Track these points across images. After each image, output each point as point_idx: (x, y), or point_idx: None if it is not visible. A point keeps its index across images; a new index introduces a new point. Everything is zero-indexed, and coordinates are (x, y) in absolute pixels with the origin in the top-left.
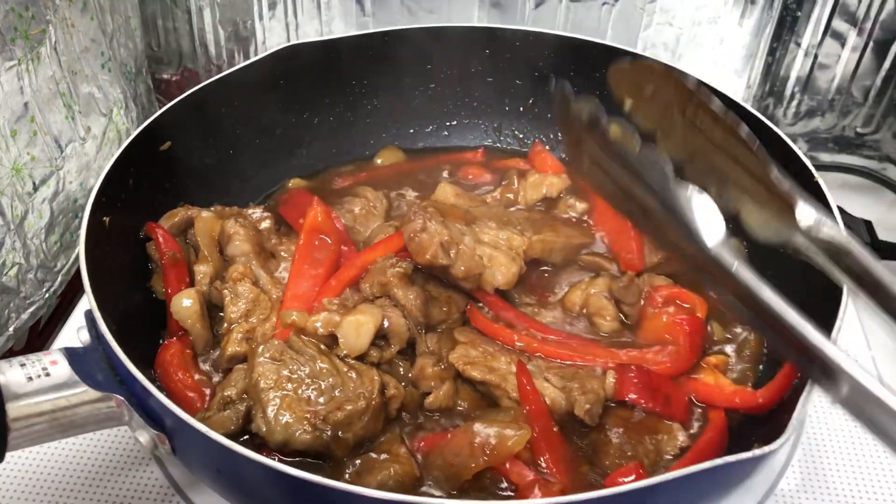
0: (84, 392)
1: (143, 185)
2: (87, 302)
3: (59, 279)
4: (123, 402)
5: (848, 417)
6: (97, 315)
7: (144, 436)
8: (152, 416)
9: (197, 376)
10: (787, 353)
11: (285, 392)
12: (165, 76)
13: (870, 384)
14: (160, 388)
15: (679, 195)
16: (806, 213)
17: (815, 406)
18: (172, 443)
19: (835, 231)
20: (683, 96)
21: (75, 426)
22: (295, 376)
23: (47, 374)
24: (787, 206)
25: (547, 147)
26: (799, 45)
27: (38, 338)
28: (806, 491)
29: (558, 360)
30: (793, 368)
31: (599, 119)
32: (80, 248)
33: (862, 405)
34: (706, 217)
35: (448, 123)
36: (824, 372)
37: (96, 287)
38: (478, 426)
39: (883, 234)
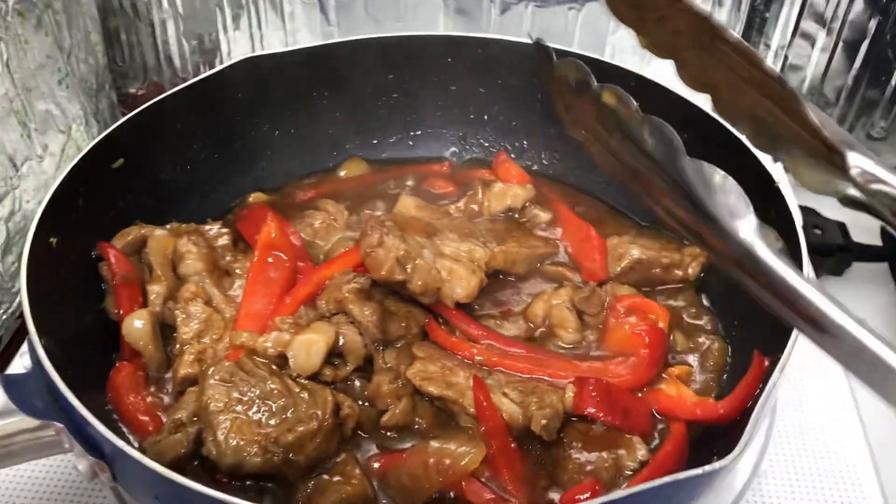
0: (20, 420)
1: (94, 204)
2: None
3: (17, 300)
4: (63, 429)
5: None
6: (35, 340)
7: (83, 464)
8: (91, 443)
9: (150, 399)
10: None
11: (236, 414)
12: (132, 90)
13: None
14: (112, 413)
15: (693, 174)
16: (857, 160)
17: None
18: (112, 470)
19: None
20: (693, 23)
21: (12, 456)
22: (246, 398)
23: None
24: (834, 153)
25: (512, 155)
26: (769, 46)
27: None
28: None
29: (519, 374)
30: (755, 379)
31: (589, 83)
32: (22, 271)
33: None
34: (731, 201)
35: (412, 133)
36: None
37: (38, 310)
38: (432, 446)
39: (857, 236)
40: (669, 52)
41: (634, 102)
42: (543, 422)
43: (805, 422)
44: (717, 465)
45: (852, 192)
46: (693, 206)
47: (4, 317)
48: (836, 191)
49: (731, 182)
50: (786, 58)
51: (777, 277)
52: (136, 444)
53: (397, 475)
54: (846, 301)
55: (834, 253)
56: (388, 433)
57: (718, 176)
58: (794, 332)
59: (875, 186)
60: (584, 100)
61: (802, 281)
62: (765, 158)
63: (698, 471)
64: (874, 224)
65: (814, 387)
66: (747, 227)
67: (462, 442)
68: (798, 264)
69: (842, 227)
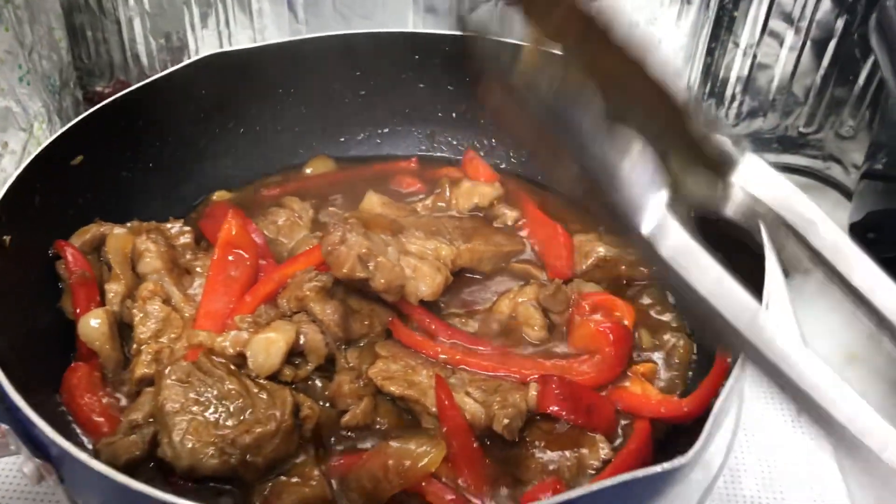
0: None
1: (52, 202)
2: None
3: None
4: (9, 431)
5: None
6: None
7: (30, 466)
8: (37, 445)
9: (106, 400)
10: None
11: (192, 415)
12: (98, 88)
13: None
14: (66, 414)
15: (608, 148)
16: (744, 173)
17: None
18: (60, 473)
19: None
20: (580, 19)
21: None
22: (202, 399)
23: None
24: (719, 165)
25: (481, 153)
26: (737, 44)
27: None
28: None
29: (483, 373)
30: (719, 376)
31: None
32: None
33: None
34: (640, 181)
35: (380, 131)
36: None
37: None
38: (391, 446)
39: None
40: (557, 39)
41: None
42: (505, 421)
43: (773, 415)
44: (676, 462)
45: (734, 205)
46: (603, 178)
47: None
48: (718, 204)
49: (645, 152)
50: (755, 56)
51: (676, 276)
52: (90, 446)
53: (357, 477)
54: (811, 298)
55: None
56: (349, 433)
57: (635, 145)
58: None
59: (753, 203)
60: (507, 75)
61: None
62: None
63: (657, 468)
64: (842, 222)
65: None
66: (649, 213)
67: (422, 442)
68: (760, 257)
69: None
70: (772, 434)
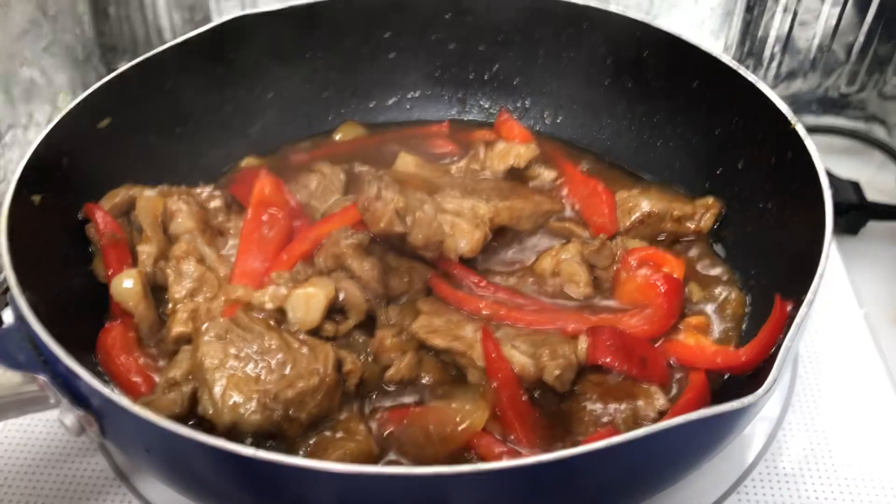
0: (1, 375)
1: (80, 165)
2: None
3: None
4: (47, 383)
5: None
6: (16, 292)
7: (70, 417)
8: (78, 396)
9: (142, 360)
10: None
11: (232, 371)
12: (122, 66)
13: None
14: (102, 375)
15: None
16: None
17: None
18: (101, 424)
19: None
20: None
21: None
22: (242, 354)
23: None
24: None
25: (514, 115)
26: (777, 1)
27: None
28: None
29: (528, 327)
30: (777, 324)
31: None
32: (2, 223)
33: None
34: None
35: (410, 95)
36: None
37: (20, 265)
38: (431, 409)
39: (872, 195)
40: None
41: None
42: (556, 372)
43: (827, 378)
44: (746, 400)
45: None
46: None
47: None
48: None
49: None
50: (795, 13)
51: None
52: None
53: (400, 441)
54: (862, 259)
55: (848, 211)
56: (393, 388)
57: None
58: (819, 271)
59: None
60: None
61: None
62: (779, 101)
63: (729, 406)
64: (888, 183)
65: (834, 343)
66: None
67: (464, 403)
68: (821, 212)
69: (855, 185)
70: (826, 395)
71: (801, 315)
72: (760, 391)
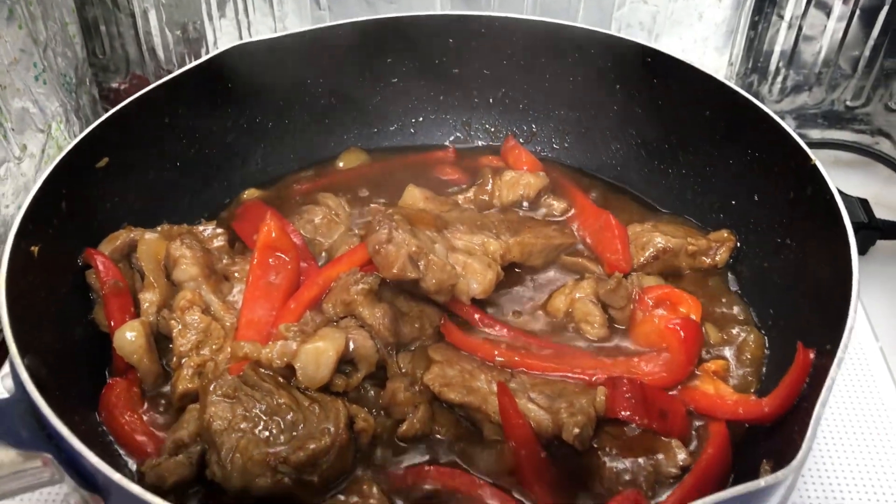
0: (3, 452)
1: (79, 208)
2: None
3: None
4: (52, 460)
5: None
6: (17, 361)
7: (75, 498)
8: (83, 475)
9: (147, 417)
10: None
11: (241, 433)
12: (114, 85)
13: None
14: (106, 434)
15: None
16: None
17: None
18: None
19: None
20: None
21: None
22: (251, 414)
23: None
24: None
25: (521, 141)
26: (782, 17)
27: None
28: None
29: (544, 374)
30: (801, 371)
31: None
32: (0, 284)
33: None
34: None
35: (413, 120)
36: None
37: (19, 327)
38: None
39: (880, 213)
40: None
41: None
42: (576, 431)
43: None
44: (779, 474)
45: None
46: None
47: None
48: None
49: None
50: (800, 28)
51: None
52: (133, 468)
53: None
54: (872, 280)
55: (858, 230)
56: (408, 445)
57: None
58: (849, 320)
59: None
60: None
61: None
62: (796, 136)
63: (760, 482)
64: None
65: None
66: None
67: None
68: (846, 260)
69: (864, 203)
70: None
71: (832, 377)
72: (795, 463)
